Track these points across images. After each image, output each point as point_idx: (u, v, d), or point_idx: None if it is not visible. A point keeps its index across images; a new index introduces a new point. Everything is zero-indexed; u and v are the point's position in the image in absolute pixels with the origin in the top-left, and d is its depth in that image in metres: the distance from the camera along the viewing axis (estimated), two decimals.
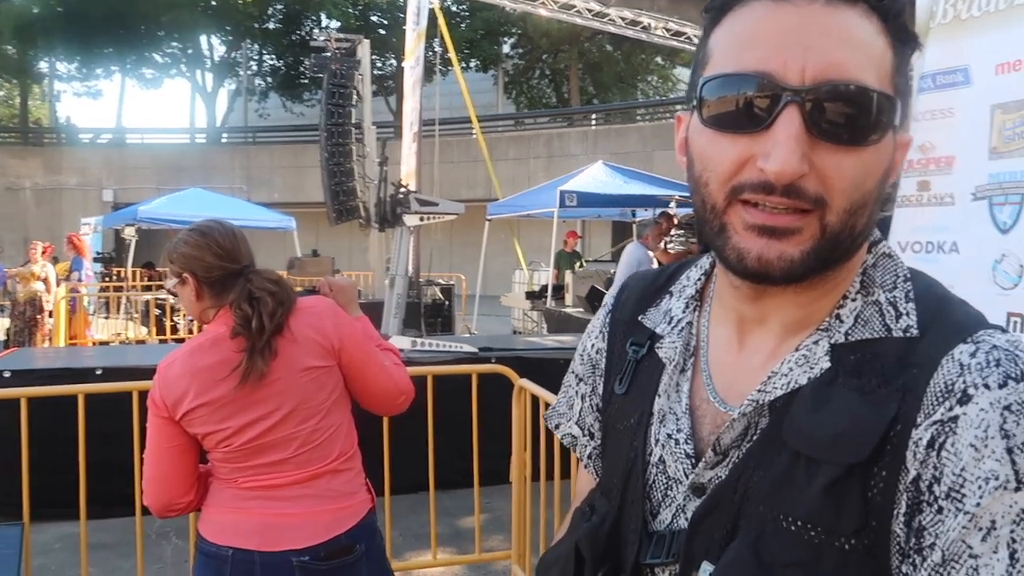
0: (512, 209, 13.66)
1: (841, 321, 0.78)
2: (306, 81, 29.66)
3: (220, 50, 32.79)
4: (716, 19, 0.77)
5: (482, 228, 13.86)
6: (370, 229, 7.81)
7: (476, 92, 16.13)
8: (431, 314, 10.89)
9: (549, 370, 5.04)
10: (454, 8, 28.60)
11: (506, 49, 31.57)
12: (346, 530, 2.03)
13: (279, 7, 30.45)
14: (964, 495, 0.65)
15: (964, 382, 0.68)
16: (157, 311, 10.45)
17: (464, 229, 13.34)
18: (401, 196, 6.59)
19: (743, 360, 0.84)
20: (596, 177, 12.40)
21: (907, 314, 0.76)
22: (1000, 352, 0.69)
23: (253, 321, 1.93)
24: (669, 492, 0.85)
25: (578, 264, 12.66)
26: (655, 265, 8.47)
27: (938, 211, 3.31)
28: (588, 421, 1.03)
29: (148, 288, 12.90)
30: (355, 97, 7.48)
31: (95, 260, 14.23)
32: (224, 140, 29.79)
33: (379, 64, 28.07)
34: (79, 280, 11.45)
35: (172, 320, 10.47)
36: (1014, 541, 0.63)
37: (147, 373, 3.78)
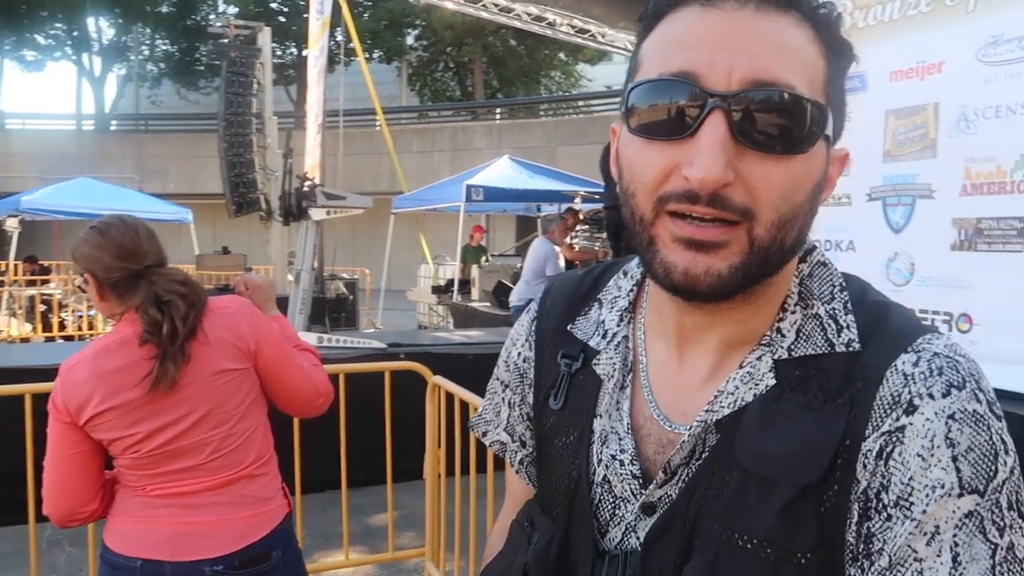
0: (418, 203, 13.58)
1: (783, 335, 0.77)
2: (202, 68, 28.67)
3: (109, 33, 31.30)
4: (649, 27, 0.76)
5: (386, 222, 13.72)
6: (271, 223, 7.61)
7: (379, 84, 15.90)
8: (335, 309, 10.69)
9: (459, 365, 5.05)
10: None
11: (410, 41, 31.30)
12: (261, 537, 1.97)
13: None
14: (912, 503, 0.67)
15: (910, 392, 0.70)
16: (43, 307, 9.91)
17: (368, 223, 13.14)
18: (307, 189, 6.44)
19: (684, 376, 0.83)
20: (502, 172, 12.46)
21: (847, 327, 0.76)
22: (942, 360, 0.71)
23: (164, 326, 1.84)
24: (617, 511, 0.83)
25: (484, 258, 12.68)
26: (561, 261, 8.56)
27: (836, 211, 3.46)
28: (519, 430, 1.00)
29: (32, 283, 12.23)
30: (255, 86, 7.26)
31: None
32: (114, 128, 28.52)
33: (279, 52, 27.36)
34: None
35: (60, 316, 9.96)
36: (956, 545, 0.65)
37: (40, 374, 3.62)
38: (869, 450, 0.70)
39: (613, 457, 0.84)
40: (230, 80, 7.11)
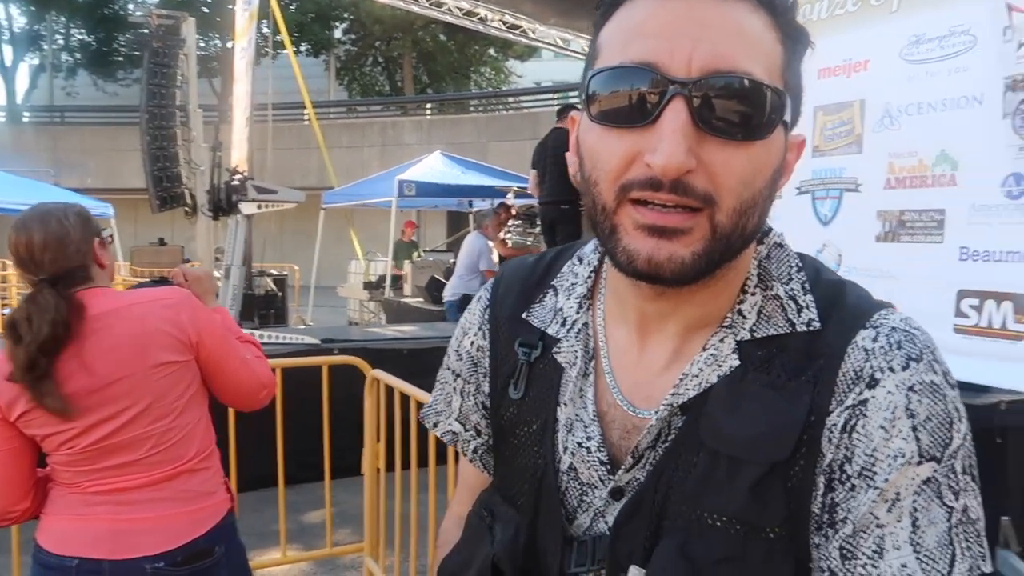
0: (348, 198, 13.44)
1: (744, 317, 0.79)
2: (120, 59, 27.70)
3: (20, 21, 30.03)
4: (607, 14, 0.76)
5: (316, 217, 13.53)
6: (197, 218, 7.42)
7: (307, 77, 15.64)
8: (263, 306, 10.52)
9: (394, 360, 5.00)
10: None
11: (338, 34, 30.85)
12: (204, 532, 1.93)
13: None
14: (875, 473, 0.70)
15: (871, 367, 0.72)
16: None
17: (297, 218, 12.96)
18: (237, 183, 6.30)
19: (646, 361, 0.83)
20: (434, 167, 12.44)
21: (807, 307, 0.78)
22: (899, 334, 0.74)
23: (19, 354, 1.74)
24: (585, 497, 0.84)
25: (416, 254, 12.62)
26: (495, 256, 8.57)
27: None
28: (473, 419, 0.99)
29: None
30: (179, 78, 7.07)
31: None
32: (26, 119, 27.33)
33: (203, 44, 26.66)
34: None
35: None
36: (916, 510, 0.69)
37: None
38: (834, 424, 0.72)
39: (580, 444, 0.84)
40: (152, 71, 6.89)
